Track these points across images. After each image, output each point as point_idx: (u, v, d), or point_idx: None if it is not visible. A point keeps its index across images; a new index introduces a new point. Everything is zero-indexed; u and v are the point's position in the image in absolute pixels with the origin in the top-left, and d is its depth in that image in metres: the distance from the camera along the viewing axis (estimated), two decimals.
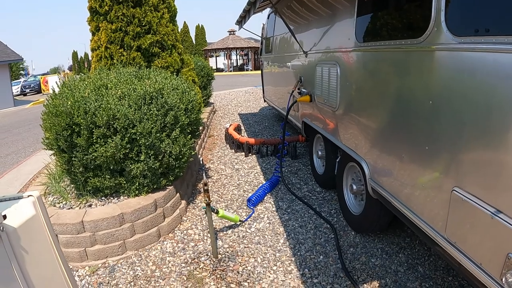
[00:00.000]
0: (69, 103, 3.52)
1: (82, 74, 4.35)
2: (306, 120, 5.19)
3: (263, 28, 10.08)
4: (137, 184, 3.78)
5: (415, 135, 2.43)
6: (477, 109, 1.84)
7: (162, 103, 3.77)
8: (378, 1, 3.08)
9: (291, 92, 5.60)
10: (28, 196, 1.43)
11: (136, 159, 3.67)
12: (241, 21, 6.49)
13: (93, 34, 6.02)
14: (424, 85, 2.32)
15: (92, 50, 6.01)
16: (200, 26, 50.39)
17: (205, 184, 3.22)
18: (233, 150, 6.80)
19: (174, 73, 6.41)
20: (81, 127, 3.48)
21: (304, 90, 5.06)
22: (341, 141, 3.81)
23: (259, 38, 10.27)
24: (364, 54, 3.19)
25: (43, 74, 37.81)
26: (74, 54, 67.01)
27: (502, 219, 1.69)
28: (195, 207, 4.50)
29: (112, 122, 3.52)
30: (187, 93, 4.23)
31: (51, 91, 3.89)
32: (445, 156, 2.12)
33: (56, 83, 4.38)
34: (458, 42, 1.98)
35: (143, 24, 5.76)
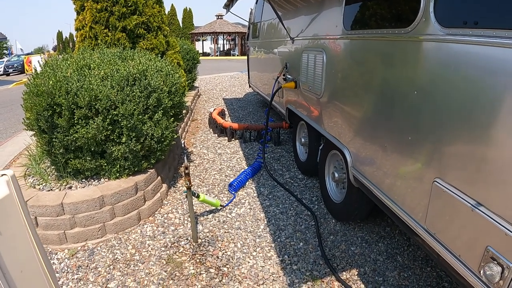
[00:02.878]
0: (51, 82, 3.43)
1: (65, 54, 4.24)
2: (290, 106, 5.17)
3: (250, 13, 9.97)
4: (118, 166, 3.73)
5: (399, 125, 2.43)
6: (461, 102, 1.84)
7: (145, 85, 3.71)
8: None
9: (276, 78, 5.57)
10: (2, 175, 1.38)
11: (117, 141, 3.62)
12: (229, 4, 6.40)
13: (78, 13, 5.88)
14: (410, 75, 2.31)
15: (77, 29, 5.88)
16: (188, 9, 49.73)
17: (186, 168, 3.19)
18: (216, 135, 6.76)
19: (159, 55, 6.35)
20: (63, 108, 3.40)
21: (289, 76, 5.03)
22: (325, 128, 3.81)
23: (247, 23, 10.17)
24: (352, 42, 3.17)
25: (27, 54, 36.95)
26: (59, 34, 65.78)
27: (482, 212, 1.71)
28: (176, 190, 4.47)
29: (94, 103, 3.45)
30: (171, 76, 4.16)
31: (33, 71, 3.79)
32: (428, 147, 2.13)
33: (38, 62, 4.27)
34: (446, 33, 1.97)
35: (129, 5, 5.65)
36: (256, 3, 8.85)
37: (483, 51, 1.70)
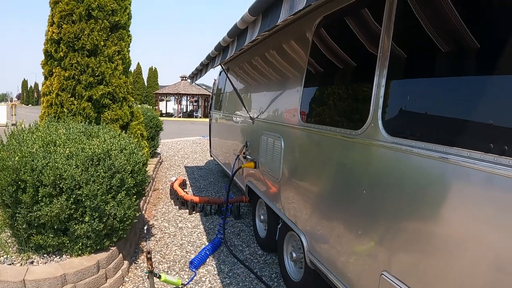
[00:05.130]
0: (17, 158, 3.49)
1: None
2: (250, 184, 5.35)
3: (214, 84, 10.31)
4: (80, 244, 3.74)
5: (350, 219, 2.64)
6: (404, 203, 2.08)
7: (110, 165, 3.81)
8: (323, 89, 3.36)
9: (237, 156, 5.77)
10: None
11: (80, 219, 3.66)
12: (197, 73, 6.64)
13: (46, 78, 6.01)
14: (359, 175, 2.55)
15: (43, 95, 5.98)
16: (154, 68, 50.69)
17: (149, 253, 3.26)
18: (177, 207, 6.80)
19: (124, 125, 6.46)
20: (27, 184, 3.45)
21: (249, 156, 5.24)
22: (283, 212, 3.97)
23: (211, 85, 10.49)
24: (308, 134, 3.42)
25: None
26: (24, 83, 65.08)
27: None
28: (138, 267, 4.45)
29: (58, 182, 3.51)
30: (135, 154, 4.28)
31: None
32: (376, 242, 2.33)
33: (5, 133, 4.28)
34: (392, 141, 2.20)
35: (96, 74, 5.82)
36: (220, 74, 9.16)
37: (425, 161, 1.94)
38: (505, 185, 1.53)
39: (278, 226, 4.37)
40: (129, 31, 6.66)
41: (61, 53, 5.66)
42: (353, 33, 2.90)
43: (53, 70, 5.80)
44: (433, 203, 1.87)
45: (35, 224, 3.63)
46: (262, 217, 5.14)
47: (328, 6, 3.18)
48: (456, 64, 1.93)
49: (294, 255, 3.89)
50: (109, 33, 6.06)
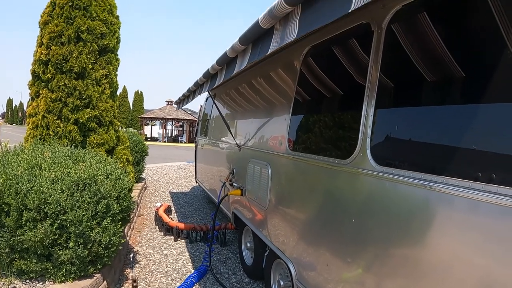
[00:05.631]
0: (1, 180, 3.44)
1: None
2: (236, 211, 5.32)
3: (200, 109, 10.33)
4: (64, 270, 3.64)
5: (339, 247, 2.64)
6: (393, 231, 2.10)
7: (95, 191, 3.76)
8: (311, 117, 3.40)
9: (223, 183, 5.75)
10: None
11: (64, 245, 3.58)
12: (184, 99, 6.65)
13: (32, 99, 5.98)
14: (348, 203, 2.57)
15: (29, 116, 5.94)
16: (139, 92, 50.70)
17: (135, 281, 3.20)
18: (162, 233, 6.70)
19: (110, 149, 6.42)
20: (11, 208, 3.40)
21: (235, 184, 5.23)
22: (270, 239, 3.95)
23: (196, 110, 10.53)
24: (295, 162, 3.45)
25: None
26: (9, 102, 64.45)
27: None
28: None
29: (43, 206, 3.46)
30: (121, 180, 4.24)
31: None
32: (365, 269, 2.33)
33: None
34: (380, 171, 2.23)
35: (83, 97, 5.82)
36: (206, 101, 9.18)
37: (413, 190, 1.97)
38: (493, 212, 1.56)
39: (265, 254, 4.33)
40: (117, 55, 6.71)
41: (48, 74, 5.66)
42: (341, 63, 2.96)
43: (40, 92, 5.79)
44: (422, 230, 1.89)
45: (18, 249, 3.55)
46: (248, 244, 5.09)
47: (316, 36, 3.26)
48: (443, 94, 1.99)
49: (281, 283, 3.85)
50: (98, 57, 6.09)
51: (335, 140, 2.92)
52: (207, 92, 7.16)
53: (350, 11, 1.52)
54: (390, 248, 2.12)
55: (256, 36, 2.54)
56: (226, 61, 3.35)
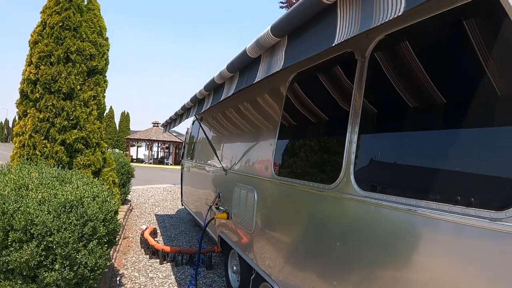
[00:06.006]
0: None
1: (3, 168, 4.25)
2: (222, 235, 5.33)
3: (187, 132, 10.37)
4: None
5: (324, 270, 2.69)
6: (378, 255, 2.16)
7: (82, 213, 3.77)
8: (297, 143, 3.48)
9: (209, 207, 5.77)
10: None
11: (50, 267, 3.56)
12: (171, 122, 6.69)
13: (20, 118, 5.98)
14: (333, 227, 2.63)
15: (16, 135, 5.92)
16: (126, 113, 50.52)
17: None
18: (148, 256, 6.66)
19: (96, 171, 6.41)
20: None
21: (222, 207, 5.25)
22: (257, 263, 3.96)
23: (182, 133, 10.55)
24: (281, 187, 3.51)
25: None
26: None
27: None
28: None
29: (29, 227, 3.45)
30: (107, 203, 4.25)
31: None
32: None
33: None
34: (364, 195, 2.30)
35: (71, 118, 5.83)
36: (193, 124, 9.23)
37: (395, 214, 2.05)
38: (472, 233, 1.63)
39: (252, 277, 4.33)
40: (105, 77, 6.77)
41: (37, 94, 5.68)
42: (326, 90, 3.07)
43: (28, 111, 5.79)
44: (405, 253, 1.96)
45: (4, 269, 3.51)
46: (235, 267, 5.09)
47: (302, 63, 3.35)
48: (424, 120, 2.09)
49: None
50: (86, 78, 6.15)
51: (320, 165, 3.00)
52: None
53: (334, 45, 1.62)
54: (375, 271, 2.19)
55: (243, 65, 2.63)
56: (213, 87, 3.43)
